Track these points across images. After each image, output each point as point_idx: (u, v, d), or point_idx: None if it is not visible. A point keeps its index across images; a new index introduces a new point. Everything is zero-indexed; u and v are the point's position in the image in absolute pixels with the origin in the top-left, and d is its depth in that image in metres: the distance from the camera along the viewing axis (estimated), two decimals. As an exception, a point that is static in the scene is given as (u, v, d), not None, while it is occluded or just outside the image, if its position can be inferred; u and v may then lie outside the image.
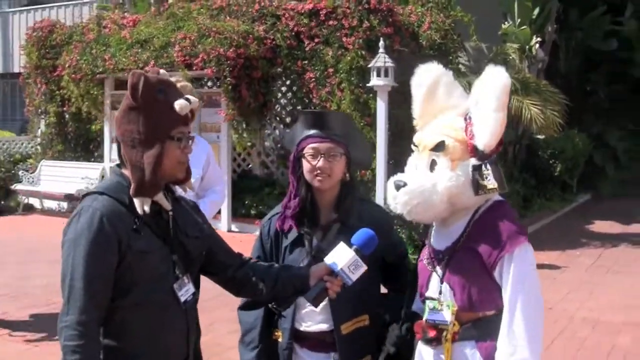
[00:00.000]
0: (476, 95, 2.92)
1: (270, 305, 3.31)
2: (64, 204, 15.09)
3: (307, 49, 11.69)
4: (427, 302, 3.00)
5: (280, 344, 3.29)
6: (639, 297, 8.77)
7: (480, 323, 2.91)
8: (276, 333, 3.32)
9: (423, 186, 2.85)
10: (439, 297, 2.95)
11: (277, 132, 12.93)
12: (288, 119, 12.72)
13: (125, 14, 14.99)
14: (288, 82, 12.68)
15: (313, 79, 11.60)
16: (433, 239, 3.08)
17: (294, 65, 11.82)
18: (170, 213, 2.73)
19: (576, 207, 17.10)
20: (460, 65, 13.05)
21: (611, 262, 10.83)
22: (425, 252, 3.10)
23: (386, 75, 10.27)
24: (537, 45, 14.19)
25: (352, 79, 11.24)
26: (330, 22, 11.58)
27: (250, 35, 11.47)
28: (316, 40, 11.68)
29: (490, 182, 2.84)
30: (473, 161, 2.86)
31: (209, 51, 11.25)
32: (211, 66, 11.14)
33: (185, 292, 2.75)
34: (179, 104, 2.63)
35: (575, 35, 18.46)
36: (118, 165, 2.78)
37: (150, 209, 2.64)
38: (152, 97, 2.60)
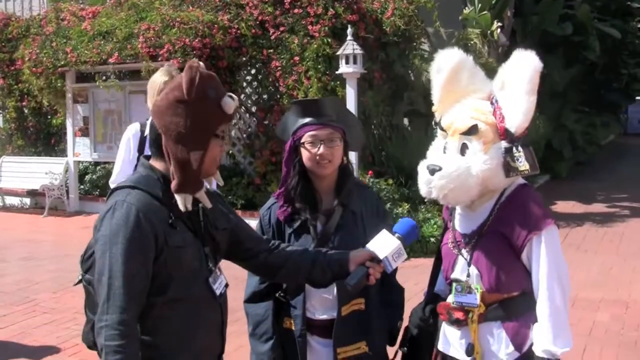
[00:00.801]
0: (504, 79, 2.97)
1: (277, 294, 3.32)
2: (27, 200, 14.87)
3: (272, 37, 11.66)
4: (455, 284, 3.03)
5: (294, 332, 3.29)
6: (612, 274, 8.98)
7: (505, 304, 2.96)
8: (287, 322, 3.31)
9: (459, 170, 2.87)
10: (467, 279, 2.99)
11: (242, 121, 12.86)
12: (254, 109, 12.66)
13: (82, 5, 14.75)
14: (253, 72, 12.63)
15: (279, 68, 11.59)
16: (458, 222, 3.10)
17: (259, 54, 11.79)
18: (201, 206, 2.70)
19: (537, 189, 17.30)
20: (422, 51, 13.17)
21: (579, 241, 11.03)
22: (449, 236, 3.13)
23: (355, 62, 10.27)
24: (499, 30, 14.32)
25: (319, 66, 11.25)
26: (295, 10, 11.56)
27: (215, 25, 11.38)
28: (281, 28, 11.65)
29: (522, 164, 2.88)
30: (504, 144, 2.90)
31: (175, 42, 11.14)
32: (177, 57, 11.01)
33: (219, 285, 2.75)
34: (227, 104, 2.58)
35: (530, 20, 18.65)
36: (146, 157, 2.73)
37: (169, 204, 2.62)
38: (204, 93, 2.54)
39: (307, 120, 3.23)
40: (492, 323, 2.97)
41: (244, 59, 11.99)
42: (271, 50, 11.68)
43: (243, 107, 12.74)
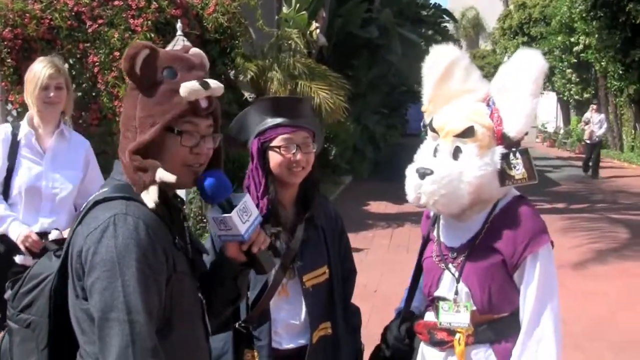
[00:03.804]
0: (503, 79, 2.73)
1: (237, 324, 2.89)
2: None
3: (89, 30, 10.84)
4: (441, 303, 2.76)
5: None
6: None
7: (495, 325, 2.74)
8: (249, 354, 2.90)
9: (451, 175, 2.61)
10: (455, 297, 2.72)
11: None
12: (67, 107, 11.74)
13: None
14: (66, 67, 11.68)
15: (97, 63, 10.79)
16: (443, 234, 2.84)
17: (75, 48, 10.91)
18: (186, 224, 2.20)
19: (344, 190, 17.62)
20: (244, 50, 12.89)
21: (405, 242, 11.19)
22: (432, 249, 2.86)
23: (185, 59, 9.74)
24: (318, 31, 14.32)
25: (142, 63, 10.57)
26: (115, 3, 10.80)
27: (27, 15, 10.40)
28: (99, 21, 10.85)
29: (519, 172, 2.66)
30: (500, 149, 2.67)
31: (-19, 31, 10.06)
32: (-16, 48, 9.96)
33: (209, 322, 2.26)
34: (185, 87, 2.05)
35: (336, 22, 18.90)
36: None
37: (174, 220, 2.12)
38: (153, 75, 2.05)
39: (280, 120, 2.84)
40: (481, 345, 2.73)
41: (59, 52, 11.05)
42: (88, 44, 10.83)
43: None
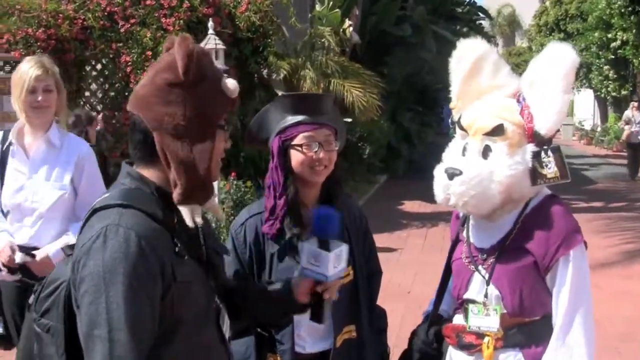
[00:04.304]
0: (534, 75, 2.62)
1: (259, 329, 2.82)
2: None
3: (122, 30, 10.85)
4: (470, 306, 2.66)
5: None
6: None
7: (526, 328, 2.63)
8: (271, 358, 2.82)
9: (481, 175, 2.52)
10: (485, 300, 2.62)
11: (86, 120, 11.91)
12: (100, 107, 11.76)
13: None
14: (99, 67, 11.71)
15: (130, 63, 10.80)
16: (473, 235, 2.74)
17: (107, 47, 10.92)
18: (201, 227, 2.10)
19: (378, 188, 17.52)
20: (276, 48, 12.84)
21: (439, 242, 11.02)
22: (462, 250, 2.76)
23: (217, 58, 9.71)
24: (351, 28, 14.22)
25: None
26: (148, 2, 10.82)
27: (60, 15, 10.44)
28: (132, 21, 10.87)
29: (551, 171, 2.55)
30: (531, 147, 2.57)
31: (15, 32, 10.09)
32: (19, 48, 9.99)
33: (227, 326, 2.21)
34: (232, 84, 2.04)
35: (369, 20, 18.80)
36: (129, 163, 2.10)
37: (181, 223, 2.02)
38: (203, 73, 1.99)
39: (301, 118, 2.76)
40: (510, 350, 2.63)
41: (92, 52, 11.08)
42: (121, 44, 10.84)
43: (88, 105, 11.82)
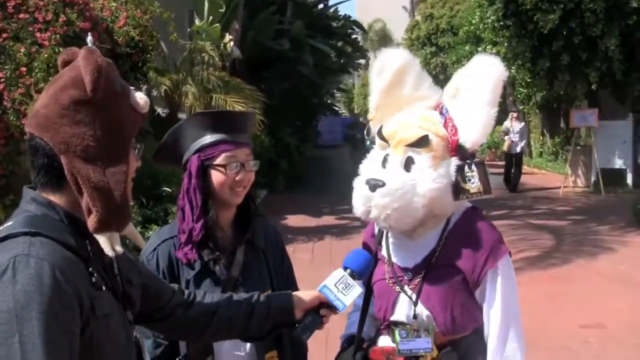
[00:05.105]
0: (458, 87, 2.57)
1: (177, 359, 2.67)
2: None
3: (-7, 45, 10.34)
4: (398, 330, 2.57)
5: None
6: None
7: (458, 345, 2.59)
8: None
9: (404, 187, 2.43)
10: (413, 322, 2.55)
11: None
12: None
13: None
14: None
15: (3, 79, 10.28)
16: (394, 254, 2.66)
17: (-22, 63, 10.38)
18: (114, 255, 1.89)
19: (259, 204, 17.32)
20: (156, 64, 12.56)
21: (327, 255, 11.00)
22: (383, 270, 2.67)
23: (98, 73, 9.38)
24: (232, 43, 14.07)
25: (51, 78, 10.11)
26: (21, 16, 10.32)
27: None
28: (4, 35, 10.35)
29: (474, 186, 2.51)
30: (455, 160, 2.51)
31: None
32: None
33: None
34: (142, 99, 1.88)
35: (248, 35, 18.70)
36: (32, 188, 1.88)
37: (95, 252, 1.84)
38: (113, 89, 1.82)
39: (220, 136, 2.62)
40: None
41: (-40, 69, 10.50)
42: (-8, 60, 10.34)
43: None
